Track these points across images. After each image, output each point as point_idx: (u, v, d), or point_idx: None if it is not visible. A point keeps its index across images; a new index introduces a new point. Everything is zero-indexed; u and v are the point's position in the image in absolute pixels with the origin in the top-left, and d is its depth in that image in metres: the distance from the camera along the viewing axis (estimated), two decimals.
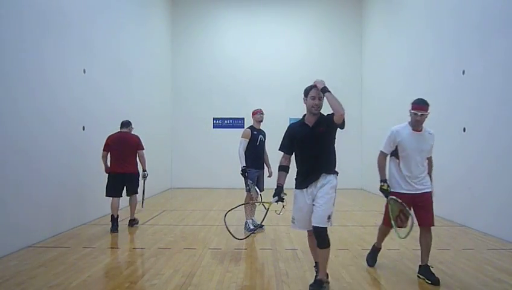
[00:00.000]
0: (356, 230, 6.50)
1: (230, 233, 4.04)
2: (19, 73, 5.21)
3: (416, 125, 4.03)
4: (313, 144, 3.62)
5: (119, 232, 6.22)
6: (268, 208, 3.84)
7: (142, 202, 6.90)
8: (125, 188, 6.48)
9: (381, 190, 4.11)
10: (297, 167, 3.75)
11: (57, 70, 6.12)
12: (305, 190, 3.64)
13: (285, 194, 3.68)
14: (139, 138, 6.64)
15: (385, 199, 4.10)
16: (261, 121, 6.44)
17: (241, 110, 12.69)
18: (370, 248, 4.58)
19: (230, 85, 13.19)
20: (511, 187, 5.64)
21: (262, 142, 6.38)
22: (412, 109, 4.01)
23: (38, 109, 5.58)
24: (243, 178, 6.18)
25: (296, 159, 3.77)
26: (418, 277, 4.04)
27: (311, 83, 3.66)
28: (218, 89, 13.13)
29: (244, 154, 6.17)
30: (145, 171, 6.62)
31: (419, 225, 4.04)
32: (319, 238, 3.58)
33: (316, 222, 3.54)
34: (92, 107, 7.23)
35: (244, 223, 6.37)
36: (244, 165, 6.12)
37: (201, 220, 7.47)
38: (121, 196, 6.45)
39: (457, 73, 7.02)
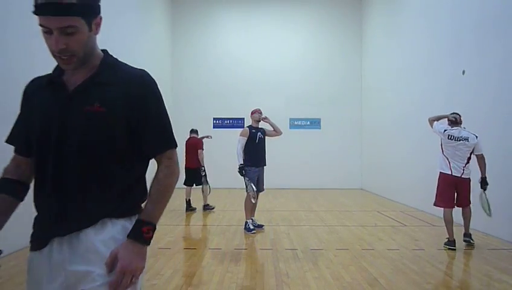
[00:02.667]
0: (356, 230, 6.50)
1: None
2: (24, 72, 5.21)
3: None
4: (62, 136, 1.43)
5: None
6: None
7: (209, 189, 8.41)
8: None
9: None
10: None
11: None
12: (45, 251, 1.46)
13: (1, 251, 1.56)
14: (200, 141, 8.34)
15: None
16: (259, 121, 6.47)
17: (241, 110, 12.65)
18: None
19: (230, 85, 13.20)
20: (509, 187, 5.65)
21: (262, 140, 6.39)
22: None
23: None
24: (242, 176, 6.19)
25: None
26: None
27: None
28: (218, 89, 13.13)
29: (242, 153, 6.19)
30: (202, 166, 8.17)
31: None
32: None
33: None
34: None
35: (244, 224, 6.37)
36: (242, 163, 6.13)
37: (201, 220, 7.47)
38: (192, 185, 8.27)
39: (455, 73, 7.11)
